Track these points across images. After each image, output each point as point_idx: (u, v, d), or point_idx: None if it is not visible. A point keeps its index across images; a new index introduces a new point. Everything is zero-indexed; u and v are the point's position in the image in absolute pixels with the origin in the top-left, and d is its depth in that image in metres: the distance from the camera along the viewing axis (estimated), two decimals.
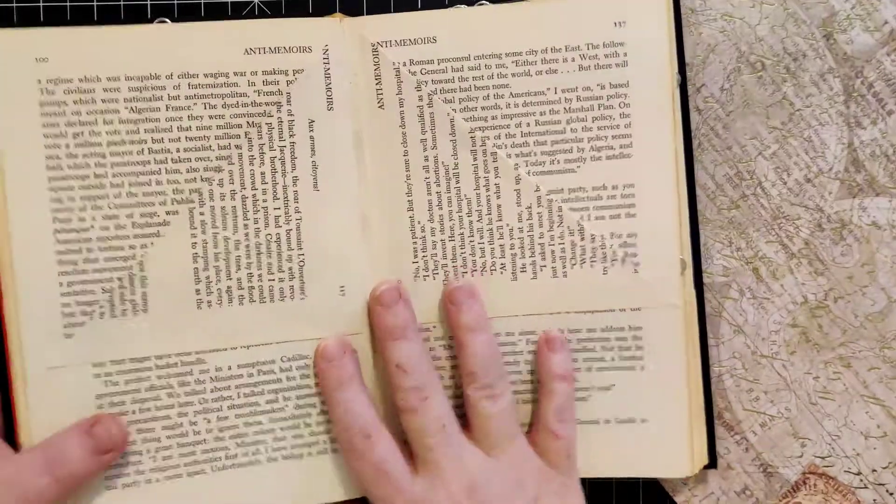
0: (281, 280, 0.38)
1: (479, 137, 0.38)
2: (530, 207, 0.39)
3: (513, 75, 0.38)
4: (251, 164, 0.37)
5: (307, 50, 0.38)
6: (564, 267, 0.39)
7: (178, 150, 0.37)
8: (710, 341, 0.41)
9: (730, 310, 0.41)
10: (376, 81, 0.39)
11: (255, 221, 0.38)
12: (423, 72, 0.38)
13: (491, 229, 0.39)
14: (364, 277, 0.39)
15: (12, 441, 0.36)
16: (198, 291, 0.37)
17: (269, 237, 0.38)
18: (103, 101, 0.36)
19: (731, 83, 0.41)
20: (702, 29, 0.40)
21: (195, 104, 0.37)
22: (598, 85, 0.38)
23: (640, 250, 0.39)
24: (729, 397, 0.41)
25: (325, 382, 0.38)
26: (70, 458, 0.35)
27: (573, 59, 0.38)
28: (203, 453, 0.38)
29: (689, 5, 0.40)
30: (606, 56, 0.38)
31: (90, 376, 0.37)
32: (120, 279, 0.37)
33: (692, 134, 0.40)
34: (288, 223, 0.38)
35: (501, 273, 0.39)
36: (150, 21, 0.37)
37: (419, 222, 0.39)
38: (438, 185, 0.39)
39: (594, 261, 0.39)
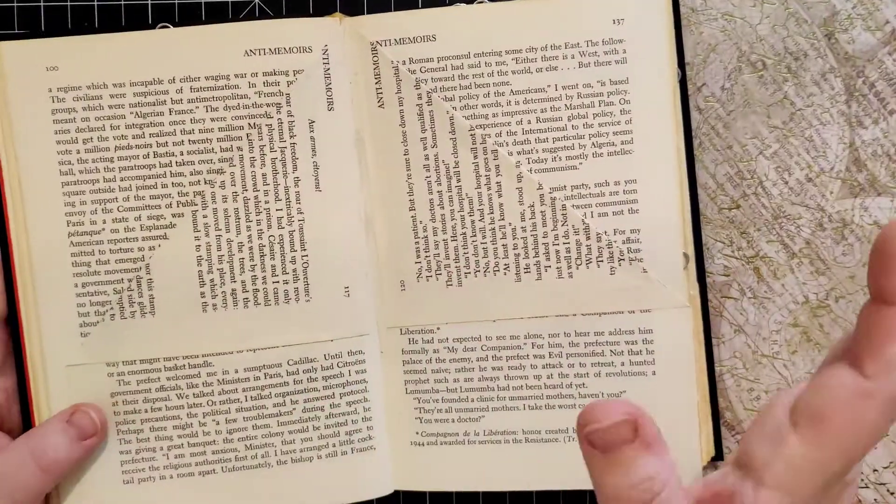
0: (285, 282, 0.38)
1: (479, 135, 0.38)
2: (533, 206, 0.38)
3: (513, 72, 0.38)
4: (252, 165, 0.38)
5: (307, 50, 0.38)
6: (570, 267, 0.38)
7: (181, 154, 0.38)
8: (712, 341, 0.40)
9: (730, 309, 0.40)
10: (376, 81, 0.39)
11: (258, 223, 0.38)
12: (423, 70, 0.38)
13: (493, 228, 0.39)
14: (368, 278, 0.39)
15: None
16: (202, 294, 0.38)
17: (272, 239, 0.38)
18: (110, 106, 0.37)
19: (732, 82, 0.40)
20: (703, 28, 0.39)
21: (197, 107, 0.37)
22: (598, 81, 0.38)
23: (643, 246, 0.38)
24: (730, 397, 0.40)
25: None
26: (53, 447, 0.36)
27: (573, 56, 0.38)
28: (213, 454, 0.39)
29: (689, 5, 0.40)
30: (606, 53, 0.37)
31: (104, 375, 0.38)
32: (129, 281, 0.38)
33: (693, 133, 0.39)
34: (290, 224, 0.38)
35: (505, 274, 0.39)
36: (153, 26, 0.38)
37: (421, 222, 0.39)
38: (439, 184, 0.39)
39: (601, 260, 0.38)
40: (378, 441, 0.40)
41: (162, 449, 0.38)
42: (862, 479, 0.41)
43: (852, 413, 0.22)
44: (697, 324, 0.38)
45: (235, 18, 0.39)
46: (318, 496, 0.39)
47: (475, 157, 0.38)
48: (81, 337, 0.38)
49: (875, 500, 0.41)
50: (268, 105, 0.38)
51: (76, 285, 0.37)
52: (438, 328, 0.40)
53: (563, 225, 0.38)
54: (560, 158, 0.38)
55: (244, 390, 0.39)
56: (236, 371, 0.38)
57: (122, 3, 0.39)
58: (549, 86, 0.38)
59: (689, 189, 0.38)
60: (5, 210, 0.37)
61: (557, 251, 0.38)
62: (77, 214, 0.37)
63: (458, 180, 0.39)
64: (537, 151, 0.38)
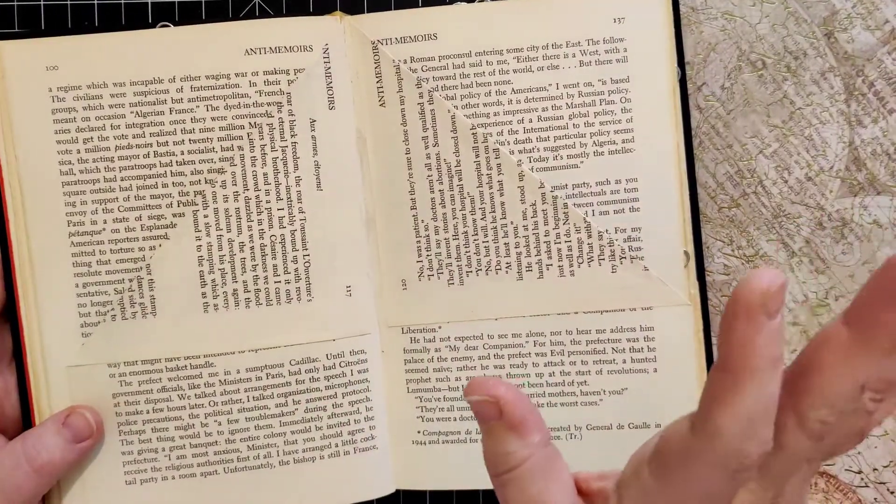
0: (287, 282, 0.38)
1: (480, 134, 0.38)
2: (535, 204, 0.38)
3: (514, 71, 0.38)
4: (253, 165, 0.38)
5: (307, 49, 0.38)
6: (571, 265, 0.38)
7: (182, 153, 0.37)
8: (711, 339, 0.40)
9: None
10: (377, 79, 0.39)
11: (259, 223, 0.38)
12: (424, 69, 0.38)
13: (495, 227, 0.39)
14: (369, 277, 0.39)
15: None
16: (204, 295, 0.38)
17: (273, 239, 0.38)
18: (110, 106, 0.37)
19: (732, 82, 0.40)
20: (703, 28, 0.40)
21: (198, 106, 0.37)
22: (599, 80, 0.38)
23: (644, 244, 0.38)
24: None
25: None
26: (48, 449, 0.36)
27: (574, 55, 0.38)
28: (215, 455, 0.39)
29: (689, 4, 0.40)
30: (607, 51, 0.38)
31: (106, 376, 0.38)
32: (130, 281, 0.38)
33: (693, 132, 0.39)
34: (292, 224, 0.38)
35: (507, 272, 0.39)
36: (153, 25, 0.38)
37: (422, 221, 0.39)
38: (441, 183, 0.39)
39: (602, 259, 0.38)
40: (380, 441, 0.40)
41: (164, 450, 0.38)
42: (862, 478, 0.41)
43: (680, 464, 0.23)
44: (698, 321, 0.38)
45: (236, 17, 0.39)
46: (319, 496, 0.39)
47: (477, 155, 0.38)
48: (82, 337, 0.38)
49: (875, 499, 0.41)
50: (268, 104, 0.38)
51: (77, 285, 0.37)
52: (440, 327, 0.40)
53: (564, 223, 0.38)
54: (561, 157, 0.38)
55: (246, 390, 0.38)
56: (238, 371, 0.38)
57: (123, 1, 0.39)
58: (550, 84, 0.38)
59: (689, 187, 0.38)
60: (5, 210, 0.37)
61: (559, 250, 0.38)
62: (77, 214, 0.37)
63: (460, 179, 0.39)
64: (539, 150, 0.38)
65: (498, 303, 0.39)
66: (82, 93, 0.37)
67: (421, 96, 0.38)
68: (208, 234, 0.38)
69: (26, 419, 0.37)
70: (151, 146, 0.37)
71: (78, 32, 0.37)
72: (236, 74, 0.37)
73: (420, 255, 0.39)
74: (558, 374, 0.39)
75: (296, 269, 0.38)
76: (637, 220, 0.38)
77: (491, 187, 0.38)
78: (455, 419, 0.40)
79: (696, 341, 0.38)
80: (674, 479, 0.23)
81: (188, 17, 0.39)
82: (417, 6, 0.40)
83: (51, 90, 0.37)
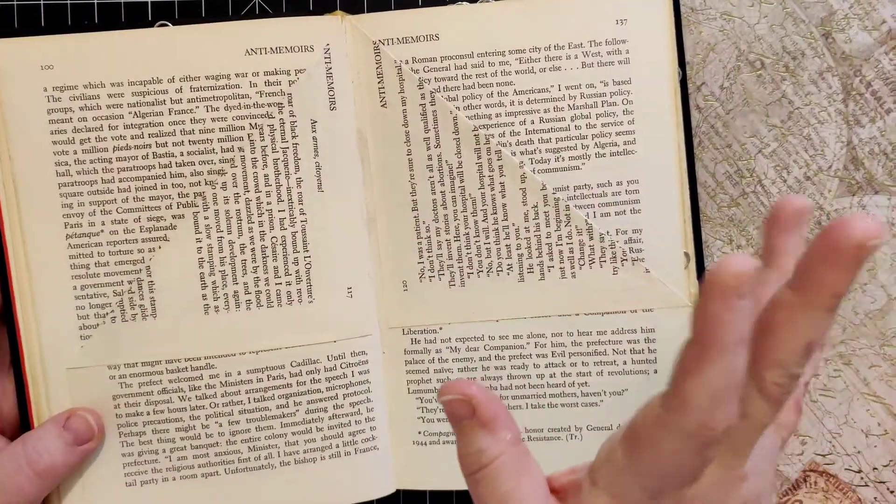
0: (288, 284, 0.38)
1: (482, 135, 0.38)
2: (536, 206, 0.38)
3: (516, 72, 0.38)
4: (254, 166, 0.37)
5: (308, 49, 0.38)
6: (573, 267, 0.39)
7: (181, 154, 0.37)
8: None
9: None
10: (378, 80, 0.38)
11: (260, 224, 0.38)
12: (426, 69, 0.38)
13: (497, 229, 0.39)
14: (370, 278, 0.39)
15: None
16: (204, 297, 0.38)
17: (274, 240, 0.38)
18: (108, 106, 0.37)
19: (731, 81, 0.40)
20: (702, 28, 0.40)
21: (197, 107, 0.37)
22: (601, 82, 0.38)
23: (645, 246, 0.38)
24: None
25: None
26: (49, 452, 0.36)
27: (576, 56, 0.38)
28: (216, 456, 0.39)
29: (689, 4, 0.40)
30: (609, 53, 0.37)
31: (106, 378, 0.38)
32: (130, 283, 0.37)
33: (693, 132, 0.39)
34: (293, 225, 0.38)
35: (508, 274, 0.39)
36: (151, 24, 0.37)
37: (424, 222, 0.39)
38: (443, 185, 0.39)
39: (603, 261, 0.38)
40: (380, 441, 0.40)
41: (164, 451, 0.38)
42: (862, 477, 0.41)
43: (650, 439, 0.24)
44: None
45: (236, 17, 0.39)
46: (320, 497, 0.39)
47: (479, 157, 0.38)
48: (81, 339, 0.37)
49: (875, 498, 0.41)
50: (269, 105, 0.37)
51: (75, 287, 0.37)
52: (441, 328, 0.40)
53: (566, 225, 0.38)
54: (563, 159, 0.38)
55: (247, 392, 0.38)
56: (239, 373, 0.38)
57: (122, 0, 0.38)
58: (552, 86, 0.38)
59: (689, 188, 0.38)
60: (0, 210, 0.37)
61: (561, 251, 0.38)
62: (75, 216, 0.37)
63: (462, 181, 0.38)
64: (540, 152, 0.38)
65: (499, 304, 0.39)
66: (79, 93, 0.36)
67: (423, 97, 0.38)
68: (209, 236, 0.37)
69: (24, 421, 0.37)
70: (150, 147, 0.37)
71: (74, 31, 0.37)
72: (237, 75, 0.37)
73: (421, 257, 0.39)
74: (559, 375, 0.39)
75: (297, 271, 0.38)
76: (638, 222, 0.38)
77: (493, 189, 0.38)
78: None
79: None
80: (644, 454, 0.24)
81: (188, 16, 0.39)
82: (418, 6, 0.39)
83: (46, 90, 0.36)
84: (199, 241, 0.37)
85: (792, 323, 0.23)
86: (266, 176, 0.38)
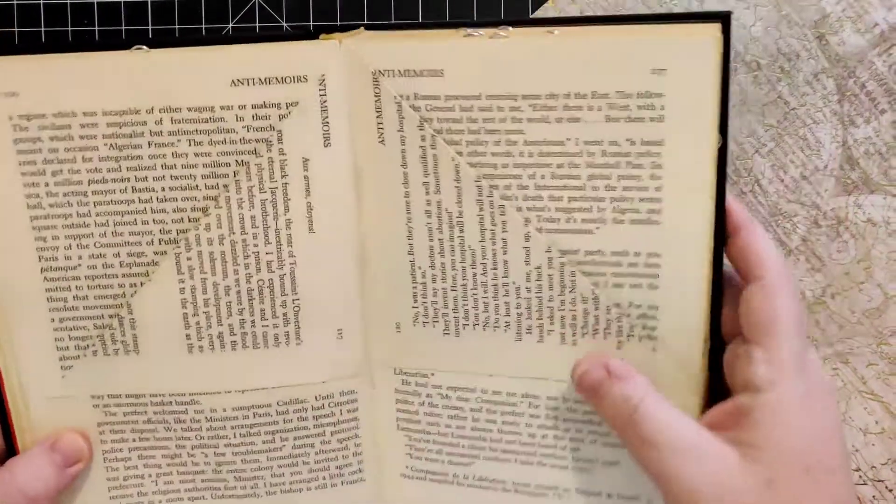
0: (275, 326, 0.36)
1: (486, 186, 0.34)
2: (540, 268, 0.35)
3: (528, 120, 0.33)
4: (240, 207, 0.35)
5: (302, 80, 0.34)
6: (574, 335, 0.36)
7: (163, 189, 0.34)
8: None
9: None
10: (377, 114, 0.34)
11: (246, 266, 0.36)
12: (427, 108, 0.34)
13: (496, 284, 0.36)
14: (362, 318, 0.37)
15: None
16: (188, 336, 0.36)
17: (261, 283, 0.36)
18: (81, 137, 0.34)
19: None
20: None
21: (179, 140, 0.34)
22: (627, 140, 0.33)
23: (660, 324, 0.35)
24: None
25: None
26: (40, 476, 0.36)
27: (600, 108, 0.33)
28: (203, 482, 0.38)
29: (685, 7, 0.41)
30: (640, 108, 0.32)
31: (90, 406, 0.37)
32: (111, 317, 0.36)
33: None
34: (281, 268, 0.36)
35: (505, 331, 0.36)
36: (127, 48, 0.33)
37: (420, 267, 0.36)
38: (441, 233, 0.35)
39: (608, 332, 0.35)
40: (367, 473, 0.39)
41: (151, 476, 0.38)
42: (860, 476, 0.42)
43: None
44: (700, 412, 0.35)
45: (221, 40, 0.35)
46: None
47: (480, 209, 0.35)
48: (62, 370, 0.36)
49: (873, 496, 0.41)
50: (257, 141, 0.34)
51: (53, 320, 0.36)
52: (433, 374, 0.38)
53: (570, 291, 0.35)
54: (575, 220, 0.34)
55: (233, 428, 0.38)
56: (224, 410, 0.37)
57: (97, 28, 0.35)
58: (568, 139, 0.33)
59: (714, 272, 0.34)
60: None
61: (563, 317, 0.35)
62: (50, 249, 0.35)
63: (461, 231, 0.35)
64: (549, 210, 0.34)
65: (494, 359, 0.37)
66: (48, 122, 0.34)
67: (423, 139, 0.34)
68: (191, 277, 0.35)
69: (10, 449, 0.37)
70: (129, 181, 0.34)
71: (40, 52, 0.33)
72: (221, 107, 0.34)
73: (416, 301, 0.37)
74: (551, 437, 0.37)
75: (284, 314, 0.36)
76: (654, 298, 0.34)
77: (494, 244, 0.35)
78: (444, 461, 0.39)
79: None
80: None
81: (165, 36, 0.35)
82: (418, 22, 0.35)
83: (11, 118, 0.34)
84: (181, 281, 0.35)
85: None
86: (253, 217, 0.35)
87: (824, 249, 0.41)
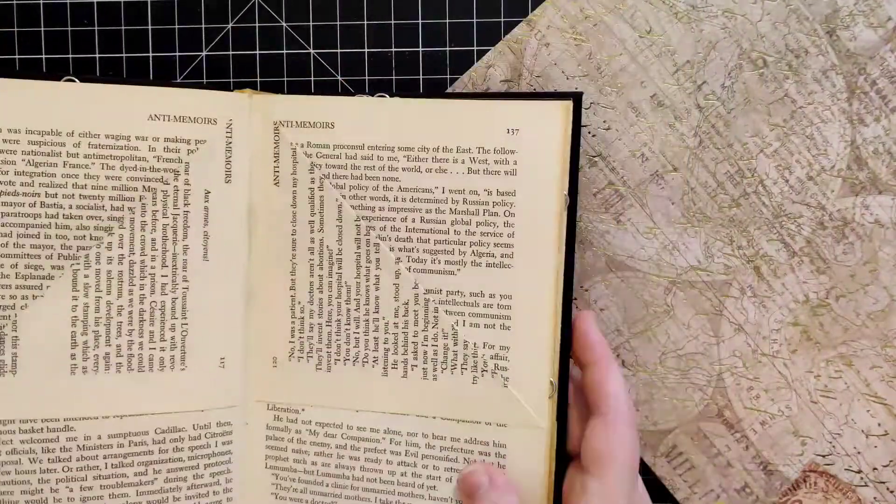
0: (162, 349, 0.38)
1: (364, 226, 0.38)
2: (407, 304, 0.38)
3: (403, 169, 0.38)
4: (142, 229, 0.38)
5: (212, 122, 0.38)
6: (435, 370, 0.38)
7: (70, 207, 0.37)
8: (711, 339, 0.41)
9: (730, 308, 0.41)
10: (274, 159, 0.39)
11: (141, 287, 0.38)
12: (318, 155, 0.39)
13: (367, 320, 0.39)
14: (244, 349, 0.39)
15: None
16: (73, 356, 0.38)
17: (153, 304, 0.38)
18: (1, 151, 0.37)
19: (733, 80, 0.40)
20: (703, 26, 0.40)
21: (93, 163, 0.38)
22: (485, 190, 0.37)
23: (511, 364, 0.38)
24: (729, 395, 0.41)
25: None
26: None
27: (463, 161, 0.38)
28: None
29: (690, 2, 0.40)
30: (496, 162, 0.37)
31: None
32: None
33: (693, 131, 0.38)
34: (174, 291, 0.39)
35: (373, 366, 0.39)
36: (58, 78, 0.38)
37: (299, 302, 0.39)
38: (321, 269, 0.39)
39: (465, 368, 0.38)
40: None
41: None
42: (862, 478, 0.41)
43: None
44: (551, 449, 0.37)
45: (145, 82, 0.40)
46: None
47: (358, 247, 0.38)
48: None
49: (875, 498, 0.41)
50: (165, 171, 0.38)
51: None
52: (303, 409, 0.40)
53: (433, 327, 0.38)
54: (439, 262, 0.38)
55: (105, 457, 0.38)
56: (99, 437, 0.38)
57: (44, 56, 0.40)
58: (436, 187, 0.38)
59: (562, 318, 0.37)
60: None
61: (425, 352, 0.38)
62: None
63: (340, 267, 0.39)
64: (418, 251, 0.38)
65: (361, 395, 0.39)
66: None
67: (312, 181, 0.39)
68: (86, 295, 0.38)
69: None
70: (39, 196, 0.37)
71: None
72: (137, 137, 0.38)
73: (293, 336, 0.39)
74: (410, 475, 0.39)
75: (172, 338, 0.39)
76: (506, 339, 0.38)
77: (368, 280, 0.39)
78: (308, 501, 0.40)
79: (547, 467, 0.38)
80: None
81: (111, 71, 0.40)
82: (311, 92, 0.39)
83: None
84: (75, 298, 0.38)
85: None
86: (153, 240, 0.38)
87: (829, 251, 0.40)
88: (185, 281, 0.39)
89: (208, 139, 0.38)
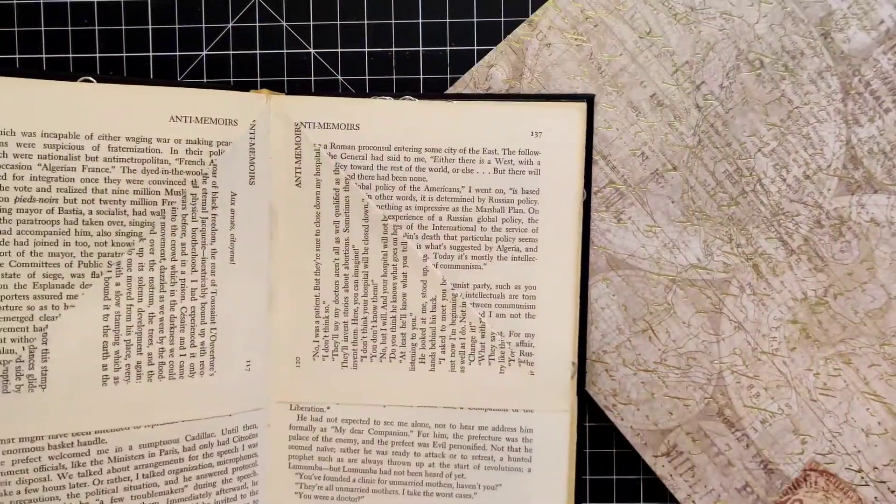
0: (192, 356, 0.38)
1: (391, 225, 0.39)
2: (435, 299, 0.40)
3: (430, 170, 0.39)
4: (173, 234, 0.37)
5: (233, 123, 0.38)
6: (463, 362, 0.40)
7: (90, 213, 0.36)
8: (711, 337, 0.42)
9: (730, 306, 0.42)
10: (296, 160, 0.39)
11: (172, 294, 0.38)
12: (343, 156, 0.39)
13: (394, 317, 0.40)
14: (267, 353, 0.40)
15: None
16: (104, 367, 0.37)
17: (183, 310, 0.38)
18: (16, 155, 0.36)
19: (731, 81, 0.41)
20: (701, 27, 0.41)
21: (113, 167, 0.37)
22: (510, 189, 0.40)
23: (536, 350, 0.40)
24: (729, 394, 0.42)
25: None
26: None
27: (489, 162, 0.39)
28: None
29: (688, 4, 0.41)
30: (521, 162, 0.40)
31: None
32: (23, 350, 0.36)
33: (692, 130, 0.39)
34: (203, 296, 0.38)
35: (400, 362, 0.40)
36: (74, 78, 0.37)
37: (324, 302, 0.40)
38: (347, 268, 0.40)
39: (492, 359, 0.40)
40: None
41: None
42: (862, 477, 0.42)
43: None
44: (573, 429, 0.40)
45: (164, 82, 0.39)
46: None
47: (385, 245, 0.39)
48: None
49: (875, 497, 0.41)
50: (189, 173, 0.37)
51: None
52: (329, 407, 0.40)
53: (461, 321, 0.40)
54: (466, 257, 0.40)
55: (136, 468, 0.37)
56: (130, 448, 0.37)
57: (44, 56, 0.38)
58: (463, 186, 0.39)
59: (581, 304, 0.40)
60: None
61: (453, 345, 0.40)
62: None
63: (366, 266, 0.40)
64: (445, 248, 0.40)
65: (388, 390, 0.40)
66: None
67: (337, 182, 0.39)
68: (118, 303, 0.37)
69: None
70: (57, 202, 0.36)
71: None
72: (158, 140, 0.37)
73: (317, 335, 0.40)
74: (438, 465, 0.40)
75: (202, 343, 0.38)
76: (531, 327, 0.40)
77: (395, 278, 0.40)
78: (333, 498, 0.41)
79: (570, 447, 0.40)
80: None
81: (111, 71, 0.39)
82: (338, 93, 0.40)
83: None
84: (106, 307, 0.37)
85: None
86: (183, 245, 0.38)
87: (827, 249, 0.41)
88: (214, 285, 0.38)
89: (233, 141, 0.38)
